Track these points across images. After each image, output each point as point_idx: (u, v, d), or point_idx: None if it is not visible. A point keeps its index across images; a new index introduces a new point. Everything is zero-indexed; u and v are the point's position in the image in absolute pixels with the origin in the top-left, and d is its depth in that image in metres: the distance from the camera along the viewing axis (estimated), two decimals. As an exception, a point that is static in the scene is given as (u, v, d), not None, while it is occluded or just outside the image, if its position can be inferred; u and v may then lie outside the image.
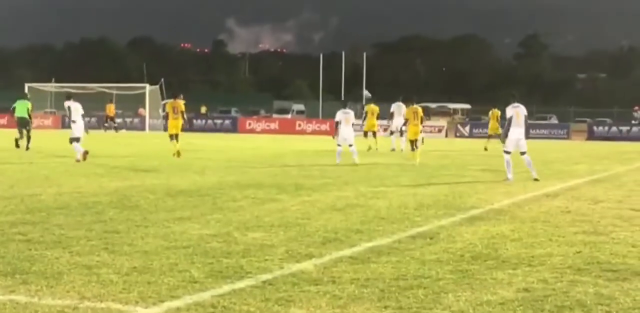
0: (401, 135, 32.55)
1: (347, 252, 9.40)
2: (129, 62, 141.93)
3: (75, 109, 25.41)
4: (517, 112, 19.55)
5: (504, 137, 19.91)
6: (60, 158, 25.87)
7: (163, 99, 65.35)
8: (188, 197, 14.70)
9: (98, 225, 11.05)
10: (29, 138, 30.29)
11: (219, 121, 65.35)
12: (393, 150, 33.07)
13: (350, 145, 24.88)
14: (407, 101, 28.40)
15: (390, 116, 35.07)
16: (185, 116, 27.92)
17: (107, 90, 64.25)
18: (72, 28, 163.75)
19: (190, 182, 17.93)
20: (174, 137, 27.38)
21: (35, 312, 6.59)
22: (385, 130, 40.18)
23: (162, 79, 70.92)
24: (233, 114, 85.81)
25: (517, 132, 19.46)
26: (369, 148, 32.45)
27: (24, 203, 13.48)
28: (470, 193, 16.52)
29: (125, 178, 18.47)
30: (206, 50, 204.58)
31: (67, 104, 25.64)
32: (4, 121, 62.28)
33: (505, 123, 19.87)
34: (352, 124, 25.57)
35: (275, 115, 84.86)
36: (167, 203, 13.82)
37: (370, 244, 9.96)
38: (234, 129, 62.80)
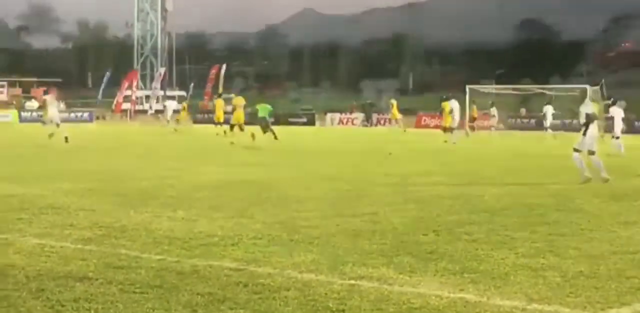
0: None
1: None
2: (569, 62, 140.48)
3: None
4: None
5: None
6: (504, 158, 26.27)
7: (604, 99, 63.74)
8: (633, 201, 14.26)
9: (542, 227, 11.07)
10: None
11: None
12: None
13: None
14: None
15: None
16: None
17: (547, 92, 63.91)
18: (512, 29, 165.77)
19: (635, 185, 17.39)
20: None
21: (485, 311, 6.73)
22: None
23: (602, 80, 69.25)
24: None
25: None
26: None
27: (469, 203, 13.84)
28: None
29: (568, 181, 18.25)
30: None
31: None
32: (436, 121, 64.02)
33: None
34: None
35: None
36: (612, 207, 13.51)
37: None
38: None
